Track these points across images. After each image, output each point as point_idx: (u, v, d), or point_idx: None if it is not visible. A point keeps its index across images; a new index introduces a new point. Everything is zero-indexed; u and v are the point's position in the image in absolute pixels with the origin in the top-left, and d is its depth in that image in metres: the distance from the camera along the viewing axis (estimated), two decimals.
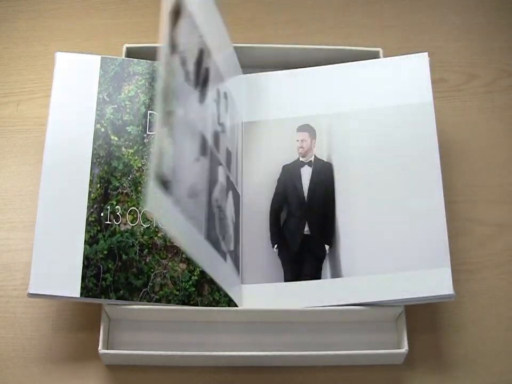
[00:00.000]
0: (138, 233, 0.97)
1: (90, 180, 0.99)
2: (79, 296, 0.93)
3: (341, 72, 1.06)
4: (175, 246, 0.96)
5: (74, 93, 1.02)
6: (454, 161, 1.09)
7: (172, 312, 0.95)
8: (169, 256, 0.97)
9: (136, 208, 0.98)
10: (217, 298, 0.95)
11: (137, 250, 0.97)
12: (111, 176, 0.99)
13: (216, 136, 0.97)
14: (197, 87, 0.91)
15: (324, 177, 1.01)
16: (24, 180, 1.06)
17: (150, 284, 0.95)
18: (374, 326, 0.97)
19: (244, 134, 1.04)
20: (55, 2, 1.19)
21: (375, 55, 1.07)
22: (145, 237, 0.97)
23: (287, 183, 1.01)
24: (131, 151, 1.01)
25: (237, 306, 0.95)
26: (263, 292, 0.96)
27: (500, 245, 1.04)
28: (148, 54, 1.05)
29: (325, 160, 1.02)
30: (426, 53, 1.04)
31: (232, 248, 0.97)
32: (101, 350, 0.92)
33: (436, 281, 0.93)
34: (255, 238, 1.00)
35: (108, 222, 0.97)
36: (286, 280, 0.97)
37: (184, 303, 0.95)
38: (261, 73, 1.08)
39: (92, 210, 0.97)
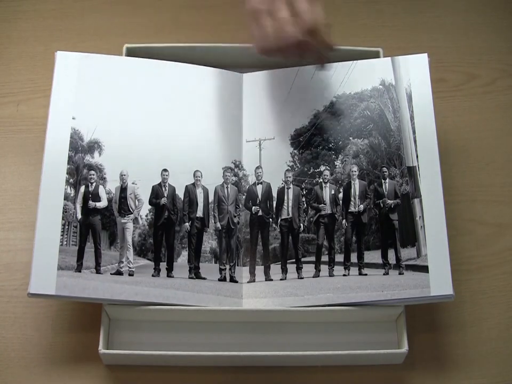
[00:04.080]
0: None
1: None
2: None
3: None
4: None
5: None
6: (454, 161, 1.09)
7: (172, 312, 0.95)
8: None
9: None
10: None
11: None
12: None
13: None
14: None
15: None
16: (24, 180, 1.06)
17: None
18: (374, 326, 0.97)
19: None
20: (55, 2, 1.19)
21: (375, 55, 1.07)
22: None
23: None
24: None
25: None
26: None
27: (500, 245, 1.04)
28: (148, 54, 1.05)
29: None
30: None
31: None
32: (101, 350, 0.92)
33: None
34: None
35: None
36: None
37: None
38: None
39: None
